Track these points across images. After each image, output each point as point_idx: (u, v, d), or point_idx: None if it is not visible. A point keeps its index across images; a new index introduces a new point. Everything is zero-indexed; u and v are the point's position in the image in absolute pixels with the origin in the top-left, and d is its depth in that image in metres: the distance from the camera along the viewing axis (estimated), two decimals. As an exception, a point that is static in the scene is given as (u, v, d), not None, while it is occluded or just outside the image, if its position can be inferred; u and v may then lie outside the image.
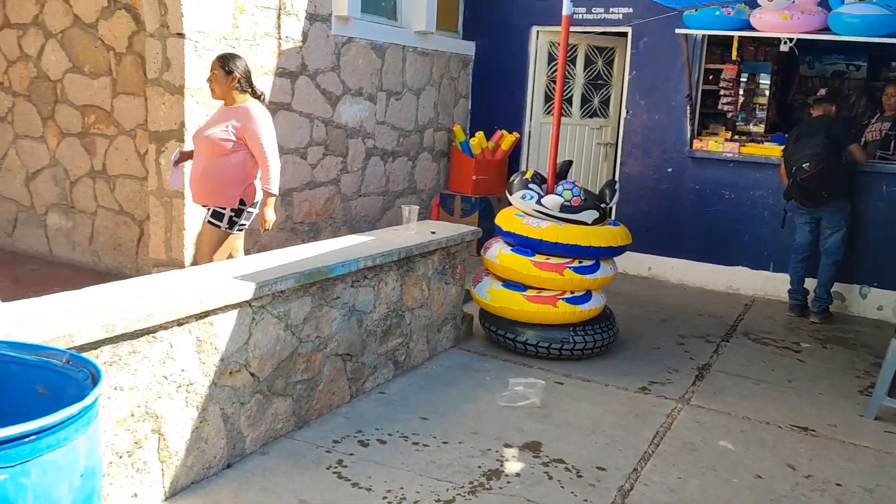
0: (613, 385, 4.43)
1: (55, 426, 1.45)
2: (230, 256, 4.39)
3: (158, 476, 2.91)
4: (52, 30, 5.61)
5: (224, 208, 4.27)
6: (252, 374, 3.33)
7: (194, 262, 4.78)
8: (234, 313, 3.18)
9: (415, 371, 4.46)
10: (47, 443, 1.43)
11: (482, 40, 7.73)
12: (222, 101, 4.29)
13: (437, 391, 4.18)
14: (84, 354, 2.57)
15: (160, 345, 2.86)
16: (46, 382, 1.78)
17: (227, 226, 4.31)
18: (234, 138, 4.16)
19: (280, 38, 5.41)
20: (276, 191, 4.27)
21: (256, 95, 4.30)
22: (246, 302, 3.23)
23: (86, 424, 1.57)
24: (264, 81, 5.33)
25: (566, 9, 4.79)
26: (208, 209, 4.32)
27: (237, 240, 4.42)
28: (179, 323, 2.92)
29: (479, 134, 7.23)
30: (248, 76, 4.22)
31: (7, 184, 6.12)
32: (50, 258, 5.97)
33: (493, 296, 4.79)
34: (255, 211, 4.39)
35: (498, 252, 4.81)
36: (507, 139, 7.35)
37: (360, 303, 3.98)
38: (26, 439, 1.39)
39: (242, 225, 4.36)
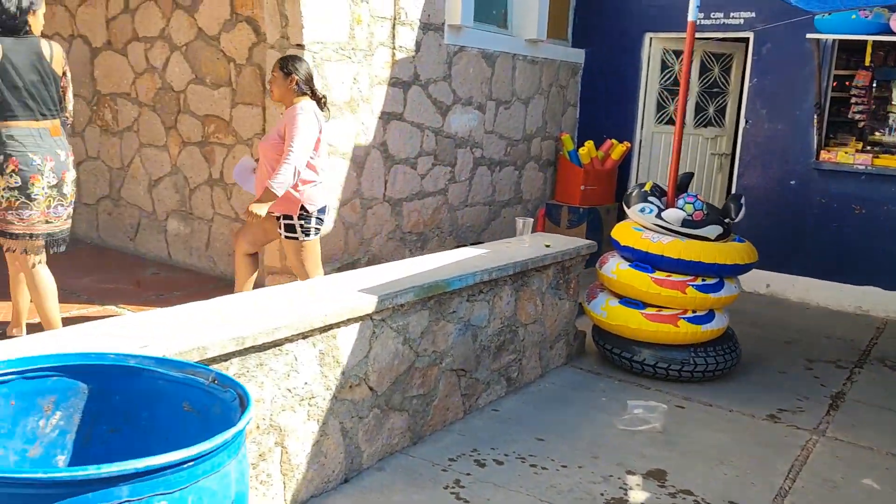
0: (739, 411, 4.18)
1: (211, 452, 1.42)
2: (313, 262, 4.29)
3: (280, 489, 2.90)
4: (177, 42, 5.81)
5: (291, 218, 4.18)
6: (371, 388, 3.29)
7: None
8: (356, 326, 3.16)
9: (527, 388, 4.34)
10: (203, 469, 1.41)
11: (592, 48, 7.55)
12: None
13: (552, 411, 4.04)
14: (215, 366, 2.59)
15: (285, 357, 2.86)
16: (192, 400, 1.77)
17: (302, 235, 4.22)
18: (280, 140, 4.08)
19: (394, 47, 5.41)
20: (275, 190, 3.97)
21: (317, 99, 4.20)
22: (367, 315, 3.20)
23: (237, 449, 1.54)
24: (378, 92, 5.34)
25: (692, 14, 4.58)
26: (280, 224, 4.23)
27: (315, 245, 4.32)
28: (304, 336, 2.91)
29: (589, 143, 7.05)
30: (308, 79, 4.14)
31: (131, 190, 6.38)
32: (169, 262, 6.17)
33: (609, 313, 4.62)
34: (324, 216, 4.30)
35: (615, 267, 4.64)
36: (617, 149, 7.14)
37: (475, 317, 3.90)
38: (185, 465, 1.36)
39: (317, 230, 4.26)
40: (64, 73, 3.80)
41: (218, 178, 5.75)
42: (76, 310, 4.79)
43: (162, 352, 2.37)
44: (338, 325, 3.06)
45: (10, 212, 3.62)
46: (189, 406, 1.78)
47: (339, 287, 3.35)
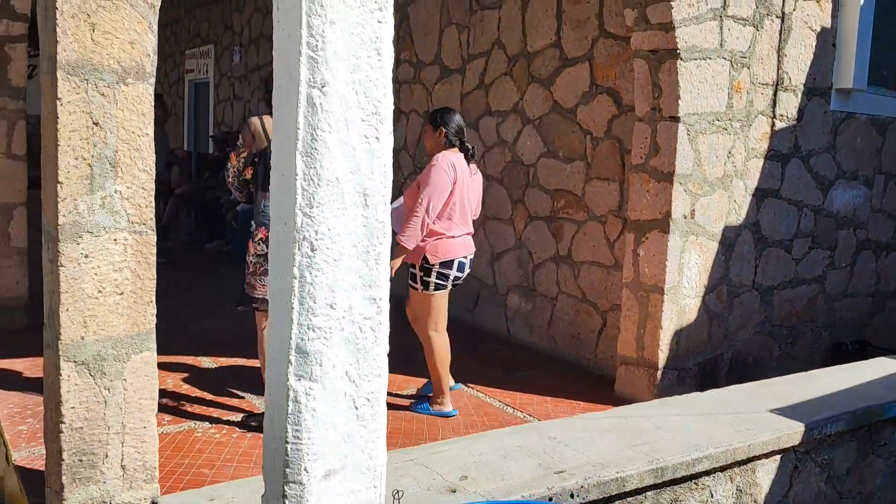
0: None
1: None
2: (429, 317, 4.21)
3: None
4: (531, 115, 5.75)
5: (413, 266, 4.12)
6: (788, 536, 2.66)
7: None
8: (776, 459, 2.57)
9: (969, 548, 3.34)
10: None
11: None
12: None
13: None
14: (629, 500, 2.18)
15: (701, 493, 2.36)
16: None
17: (422, 287, 4.13)
18: (419, 190, 4.03)
19: (774, 116, 4.79)
20: (405, 244, 3.98)
21: (465, 151, 4.14)
22: (791, 447, 2.60)
23: None
24: (753, 165, 4.74)
25: None
26: (408, 271, 4.22)
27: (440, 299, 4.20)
28: (723, 469, 2.40)
29: None
30: (457, 132, 4.13)
31: (474, 262, 6.40)
32: (507, 337, 6.04)
33: None
34: (452, 272, 4.13)
35: None
36: None
37: (909, 452, 3.08)
38: None
39: (439, 285, 4.12)
40: None
41: (566, 254, 5.52)
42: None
43: (581, 482, 2.02)
44: (759, 457, 2.50)
45: (254, 277, 3.92)
46: None
47: (747, 404, 2.79)
